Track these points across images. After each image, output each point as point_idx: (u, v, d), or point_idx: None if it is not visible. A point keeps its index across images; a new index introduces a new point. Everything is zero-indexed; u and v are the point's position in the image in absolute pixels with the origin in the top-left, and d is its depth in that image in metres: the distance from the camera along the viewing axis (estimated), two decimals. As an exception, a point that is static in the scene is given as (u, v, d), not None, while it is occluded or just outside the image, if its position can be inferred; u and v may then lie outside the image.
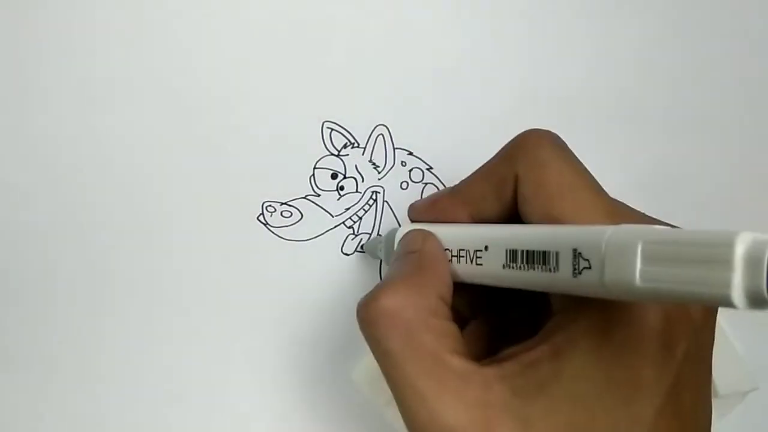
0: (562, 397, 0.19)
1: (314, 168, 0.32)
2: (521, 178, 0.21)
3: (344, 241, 0.32)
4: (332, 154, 0.32)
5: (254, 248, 0.32)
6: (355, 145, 0.32)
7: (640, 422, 0.18)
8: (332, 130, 0.32)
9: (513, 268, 0.20)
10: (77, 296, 0.32)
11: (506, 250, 0.20)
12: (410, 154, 0.32)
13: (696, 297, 0.14)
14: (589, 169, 0.21)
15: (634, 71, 0.33)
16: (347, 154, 0.32)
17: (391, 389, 0.20)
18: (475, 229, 0.22)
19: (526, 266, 0.19)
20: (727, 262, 0.14)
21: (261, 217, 0.32)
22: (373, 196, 0.32)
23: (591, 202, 0.20)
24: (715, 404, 0.32)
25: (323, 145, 0.32)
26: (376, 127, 0.32)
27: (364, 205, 0.32)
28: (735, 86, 0.34)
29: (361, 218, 0.32)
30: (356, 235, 0.32)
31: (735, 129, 0.34)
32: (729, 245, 0.14)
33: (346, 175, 0.32)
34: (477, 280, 0.22)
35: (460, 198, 0.23)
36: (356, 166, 0.32)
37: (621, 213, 0.21)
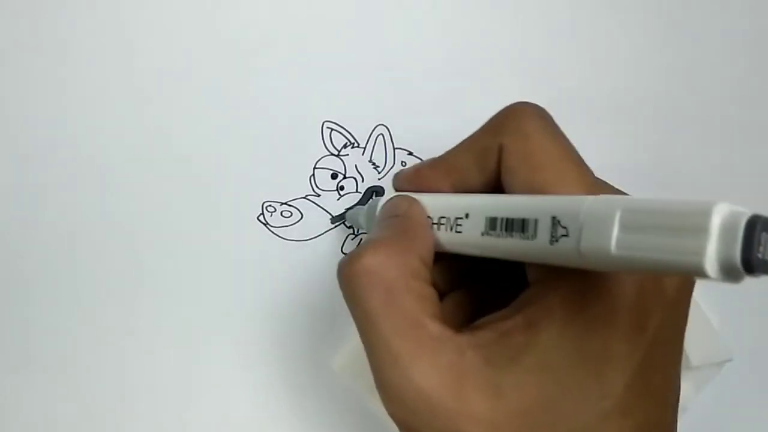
0: (533, 367, 0.19)
1: (314, 168, 0.32)
2: (505, 149, 0.21)
3: (344, 241, 0.32)
4: (332, 154, 0.32)
5: (254, 248, 0.32)
6: (355, 145, 0.32)
7: (608, 396, 0.19)
8: (332, 130, 0.32)
9: (492, 235, 0.20)
10: (77, 296, 0.32)
11: (486, 218, 0.20)
12: (410, 154, 0.32)
13: (670, 266, 0.14)
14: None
15: (630, 71, 0.33)
16: (347, 154, 0.32)
17: (366, 348, 0.20)
18: (456, 197, 0.22)
19: (504, 234, 0.19)
20: (702, 231, 0.14)
21: (261, 217, 0.32)
22: (374, 196, 0.32)
23: (574, 174, 0.20)
24: (691, 376, 0.32)
25: (323, 145, 0.32)
26: (376, 127, 0.32)
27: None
28: (732, 86, 0.34)
29: (361, 218, 0.32)
30: (356, 235, 0.32)
31: (732, 128, 0.34)
32: (705, 214, 0.14)
33: (346, 175, 0.32)
34: (456, 249, 0.22)
35: (443, 168, 0.23)
36: (356, 166, 0.32)
37: (603, 187, 0.21)
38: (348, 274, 0.20)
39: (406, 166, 0.24)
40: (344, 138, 0.32)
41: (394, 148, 0.32)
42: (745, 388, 0.33)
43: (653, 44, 0.33)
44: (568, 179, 0.20)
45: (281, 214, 0.32)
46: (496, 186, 0.22)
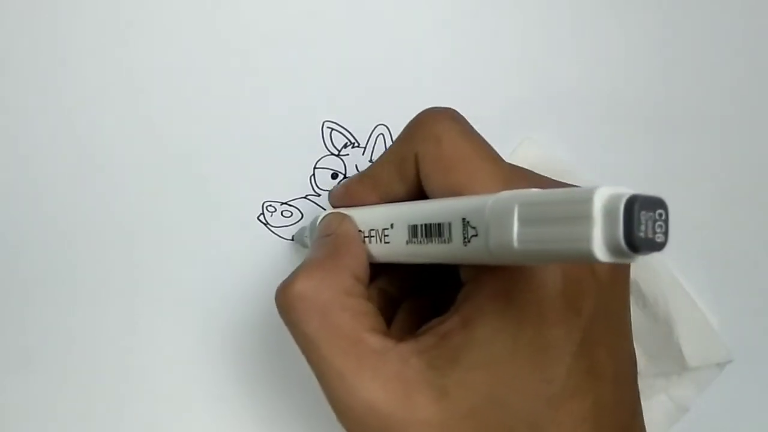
0: (474, 364, 0.19)
1: (314, 168, 0.32)
2: (420, 156, 0.21)
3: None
4: (332, 154, 0.32)
5: (254, 248, 0.32)
6: (355, 144, 0.32)
7: (552, 382, 0.19)
8: (332, 130, 0.32)
9: (415, 242, 0.20)
10: (77, 296, 0.32)
11: (408, 226, 0.20)
12: (410, 153, 0.32)
13: (565, 254, 0.15)
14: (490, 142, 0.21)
15: (630, 71, 0.33)
16: (347, 154, 0.32)
17: (313, 372, 0.21)
18: (381, 209, 0.23)
19: (425, 240, 0.20)
20: (586, 217, 0.14)
21: (261, 217, 0.32)
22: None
23: (487, 171, 0.20)
24: (692, 377, 0.32)
25: (323, 144, 0.32)
26: (376, 127, 0.32)
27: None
28: (732, 86, 0.34)
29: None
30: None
31: (732, 128, 0.34)
32: (587, 201, 0.14)
33: (347, 175, 0.32)
34: (388, 259, 0.22)
35: (369, 181, 0.23)
36: (356, 166, 0.32)
37: (520, 179, 0.21)
38: (283, 301, 0.21)
39: (338, 183, 0.25)
40: (344, 138, 0.32)
41: (394, 148, 0.32)
42: (747, 388, 0.33)
43: (653, 44, 0.33)
44: (481, 178, 0.20)
45: (281, 214, 0.32)
46: (418, 193, 0.22)
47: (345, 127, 0.32)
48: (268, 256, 0.32)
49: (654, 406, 0.32)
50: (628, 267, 0.21)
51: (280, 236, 0.32)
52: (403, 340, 0.20)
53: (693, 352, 0.31)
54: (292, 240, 0.32)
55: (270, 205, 0.32)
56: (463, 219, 0.18)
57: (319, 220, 0.25)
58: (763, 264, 0.33)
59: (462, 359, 0.19)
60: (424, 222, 0.20)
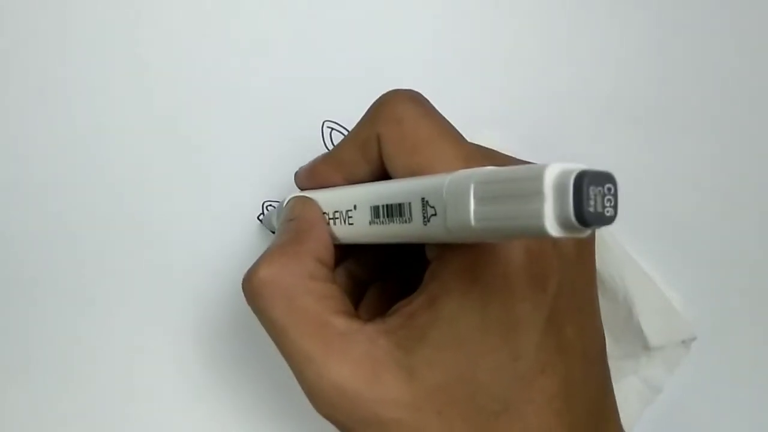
0: (442, 343, 0.19)
1: (314, 168, 0.32)
2: (382, 137, 0.21)
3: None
4: (332, 154, 0.32)
5: (254, 248, 0.32)
6: (355, 144, 0.32)
7: (521, 358, 0.19)
8: (332, 129, 0.32)
9: (377, 223, 0.20)
10: (78, 296, 0.32)
11: (370, 207, 0.21)
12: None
13: (519, 231, 0.15)
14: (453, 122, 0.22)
15: (629, 72, 0.33)
16: (347, 154, 0.32)
17: (283, 357, 0.21)
18: (345, 190, 0.23)
19: (387, 220, 0.20)
20: (538, 194, 0.14)
21: (261, 217, 0.32)
22: None
23: (448, 151, 0.20)
24: (658, 356, 0.32)
25: (323, 144, 0.32)
26: (376, 127, 0.32)
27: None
28: (731, 86, 0.34)
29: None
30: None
31: (732, 129, 0.34)
32: (538, 178, 0.14)
33: (346, 175, 0.32)
34: (352, 240, 0.22)
35: (333, 162, 0.23)
36: (356, 166, 0.32)
37: (481, 158, 0.21)
38: (249, 288, 0.21)
39: (303, 165, 0.25)
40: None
41: (394, 148, 0.32)
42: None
43: (652, 45, 0.33)
44: (442, 157, 0.20)
45: (281, 214, 0.32)
46: (382, 174, 0.22)
47: (345, 127, 0.32)
48: (268, 256, 0.32)
49: (625, 388, 0.32)
50: (592, 243, 0.21)
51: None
52: (371, 321, 0.21)
53: (654, 330, 0.31)
54: (260, 222, 0.32)
55: (270, 205, 0.32)
56: (423, 199, 0.18)
57: (284, 204, 0.25)
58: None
59: (429, 338, 0.19)
60: (385, 203, 0.20)
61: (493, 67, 0.33)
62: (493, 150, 0.23)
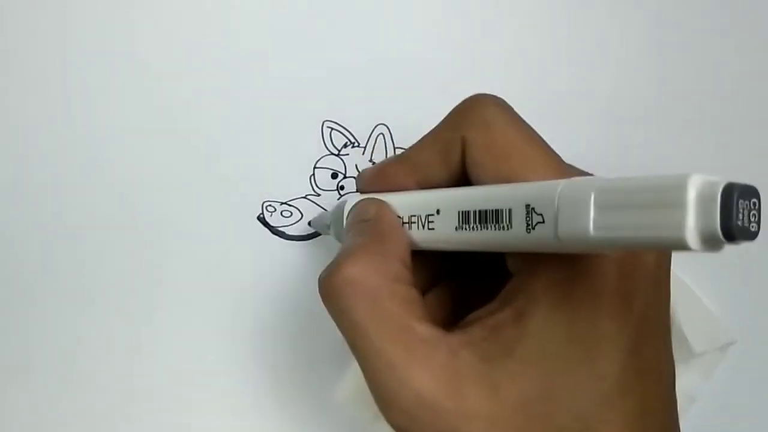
0: (528, 358, 0.19)
1: (314, 168, 0.32)
2: (469, 141, 0.21)
3: (344, 240, 0.32)
4: (332, 154, 0.32)
5: (254, 248, 0.32)
6: (355, 144, 0.32)
7: (604, 378, 0.18)
8: (332, 129, 0.32)
9: (466, 229, 0.20)
10: (77, 296, 0.32)
11: (458, 212, 0.20)
12: (410, 153, 0.32)
13: (650, 242, 0.14)
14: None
15: (629, 72, 0.33)
16: (347, 154, 0.32)
17: (358, 360, 0.20)
18: (425, 194, 0.22)
19: (479, 226, 0.19)
20: (680, 205, 0.14)
21: (261, 217, 0.32)
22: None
23: (542, 159, 0.20)
24: (696, 363, 0.32)
25: (323, 144, 0.32)
26: (376, 127, 0.32)
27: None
28: (731, 86, 0.34)
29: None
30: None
31: (732, 129, 0.34)
32: (681, 188, 0.14)
33: (347, 175, 0.32)
34: (430, 246, 0.22)
35: (407, 165, 0.23)
36: (356, 166, 0.32)
37: (571, 170, 0.20)
38: (329, 287, 0.20)
39: (369, 167, 0.24)
40: (344, 137, 0.32)
41: (395, 148, 0.32)
42: (750, 372, 0.33)
43: (652, 45, 0.33)
44: (536, 165, 0.20)
45: (281, 214, 0.32)
46: (461, 179, 0.21)
47: (345, 126, 0.32)
48: (268, 256, 0.32)
49: None
50: (669, 263, 0.21)
51: (279, 236, 0.32)
52: (449, 330, 0.20)
53: (697, 337, 0.31)
54: (309, 225, 0.32)
55: (270, 205, 0.32)
56: (527, 205, 0.17)
57: (348, 206, 0.24)
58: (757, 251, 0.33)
59: (515, 353, 0.19)
60: (478, 208, 0.19)
61: (493, 67, 0.33)
62: (579, 168, 0.22)
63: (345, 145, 0.32)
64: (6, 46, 0.31)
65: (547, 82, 0.33)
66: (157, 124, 0.32)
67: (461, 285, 0.24)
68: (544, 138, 0.21)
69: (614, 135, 0.33)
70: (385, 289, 0.20)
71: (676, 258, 0.33)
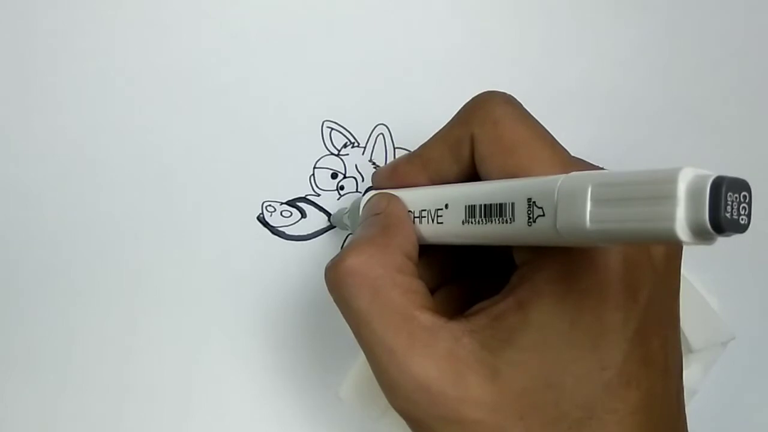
0: (529, 346, 0.19)
1: (314, 168, 0.32)
2: (477, 138, 0.21)
3: (344, 241, 0.32)
4: (332, 154, 0.32)
5: (254, 248, 0.32)
6: (355, 144, 0.32)
7: (608, 367, 0.19)
8: (332, 129, 0.32)
9: (472, 223, 0.20)
10: (76, 296, 0.32)
11: (465, 206, 0.20)
12: (410, 153, 0.32)
13: (643, 234, 0.15)
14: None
15: (630, 71, 0.33)
16: (347, 154, 0.32)
17: (362, 348, 0.21)
18: (435, 189, 0.23)
19: (484, 220, 0.20)
20: (670, 197, 0.14)
21: (261, 217, 0.32)
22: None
23: (547, 154, 0.20)
24: (696, 358, 0.32)
25: (323, 144, 0.32)
26: (376, 127, 0.32)
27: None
28: (732, 85, 0.34)
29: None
30: (356, 235, 0.32)
31: (732, 128, 0.34)
32: (672, 181, 0.14)
33: (347, 175, 0.32)
34: (439, 240, 0.22)
35: (419, 162, 0.23)
36: (356, 166, 0.32)
37: (578, 165, 0.21)
38: (333, 276, 0.21)
39: (384, 164, 0.25)
40: (344, 137, 0.32)
41: (395, 148, 0.32)
42: (751, 366, 0.33)
43: (653, 44, 0.33)
44: (541, 160, 0.20)
45: (281, 214, 0.32)
46: (471, 175, 0.22)
47: (345, 126, 0.32)
48: (268, 256, 0.32)
49: None
50: (680, 257, 0.21)
51: (279, 236, 0.32)
52: (453, 319, 0.20)
53: (695, 334, 0.31)
54: (329, 222, 0.32)
55: (270, 205, 0.32)
56: (528, 199, 0.18)
57: (363, 201, 0.25)
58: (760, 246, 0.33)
59: (516, 341, 0.19)
60: (483, 202, 0.20)
61: (494, 67, 0.33)
62: (593, 164, 0.22)
63: (345, 145, 0.32)
64: (6, 46, 0.31)
65: (548, 82, 0.33)
66: (156, 124, 0.32)
67: (470, 283, 0.24)
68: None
69: (617, 133, 0.33)
70: (387, 279, 0.20)
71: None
